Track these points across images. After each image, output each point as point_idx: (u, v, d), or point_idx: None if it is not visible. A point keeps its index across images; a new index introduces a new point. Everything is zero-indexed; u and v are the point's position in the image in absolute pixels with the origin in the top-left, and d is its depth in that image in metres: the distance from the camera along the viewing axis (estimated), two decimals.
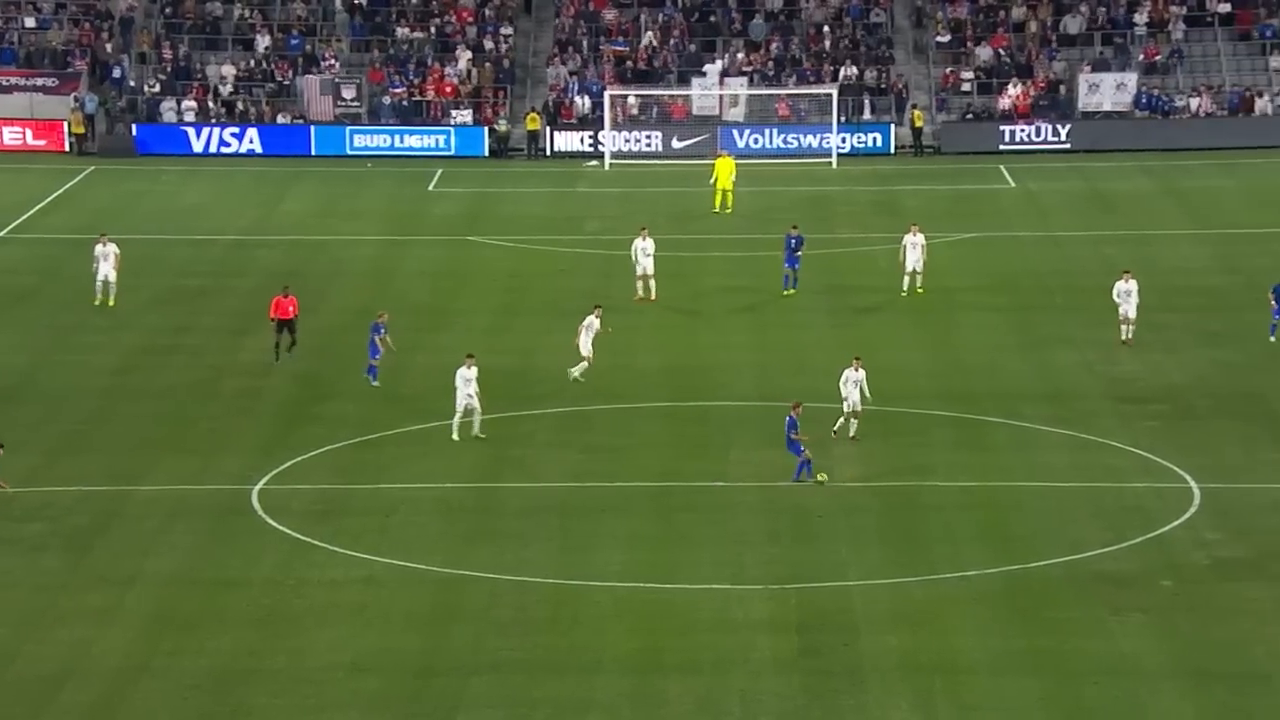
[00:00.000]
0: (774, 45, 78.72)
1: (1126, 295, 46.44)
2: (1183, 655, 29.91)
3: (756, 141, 74.10)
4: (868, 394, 39.78)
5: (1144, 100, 75.52)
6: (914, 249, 51.82)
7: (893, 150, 75.02)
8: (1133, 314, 46.45)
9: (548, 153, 75.34)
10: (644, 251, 51.55)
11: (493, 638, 30.78)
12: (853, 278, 54.62)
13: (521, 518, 36.25)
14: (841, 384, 39.75)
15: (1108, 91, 75.49)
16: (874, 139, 75.21)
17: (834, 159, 73.20)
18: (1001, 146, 74.54)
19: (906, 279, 51.93)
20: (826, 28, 79.39)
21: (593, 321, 44.32)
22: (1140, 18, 78.50)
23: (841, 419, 39.70)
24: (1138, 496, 36.91)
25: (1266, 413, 41.62)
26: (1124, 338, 46.52)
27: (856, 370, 39.75)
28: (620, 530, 35.56)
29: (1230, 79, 76.34)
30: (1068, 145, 74.57)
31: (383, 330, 44.38)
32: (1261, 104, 74.90)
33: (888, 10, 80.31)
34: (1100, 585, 32.54)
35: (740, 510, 36.56)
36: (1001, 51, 78.02)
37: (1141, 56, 77.12)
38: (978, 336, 48.44)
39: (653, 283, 51.50)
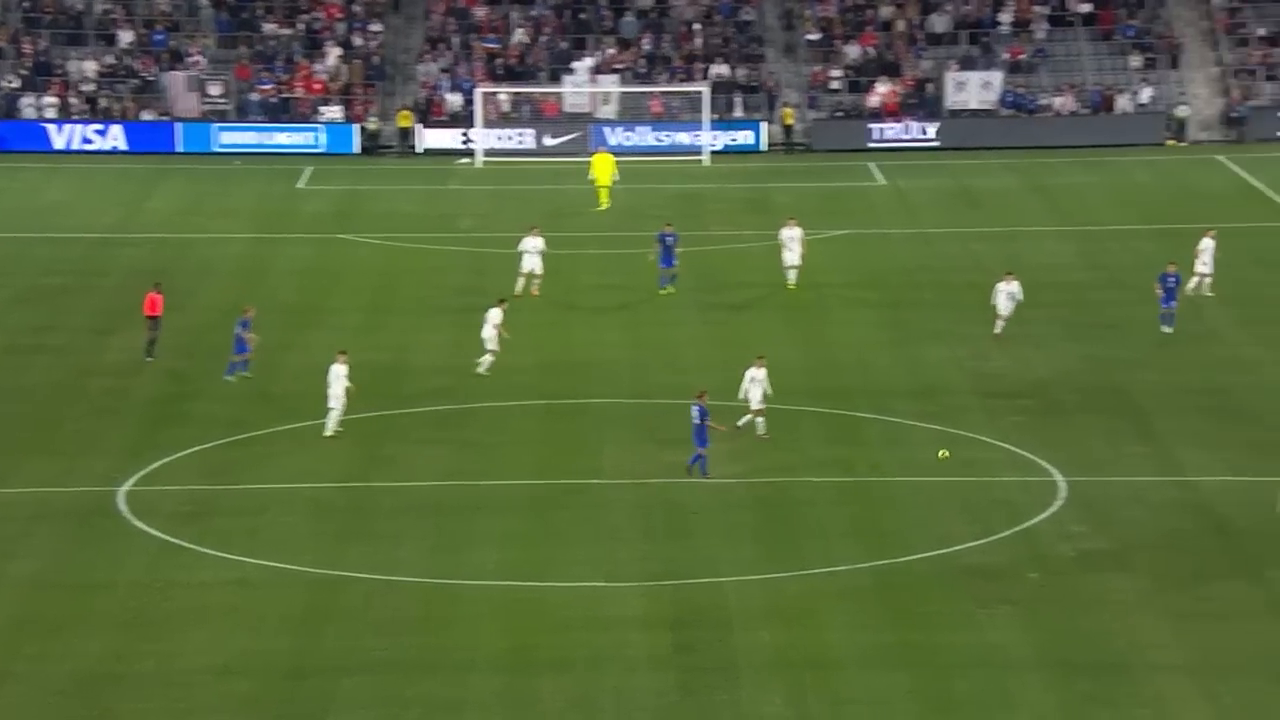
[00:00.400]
0: (645, 43, 78.84)
1: (1009, 296, 46.86)
2: (1048, 646, 30.27)
3: (629, 139, 74.18)
4: (769, 391, 39.83)
5: (1009, 99, 76.37)
6: (792, 243, 52.18)
7: (764, 148, 75.38)
8: (1008, 313, 46.82)
9: (419, 150, 75.02)
10: (533, 249, 51.50)
11: (365, 638, 30.59)
12: (726, 275, 54.82)
13: (394, 517, 36.06)
14: (746, 382, 39.72)
15: (974, 90, 76.27)
16: (745, 137, 75.53)
17: (706, 156, 73.43)
18: (871, 144, 75.12)
19: (792, 273, 52.30)
20: (697, 25, 79.61)
21: (496, 314, 44.42)
22: (1005, 17, 79.38)
23: (748, 416, 39.73)
24: (1005, 490, 37.30)
25: (1130, 407, 42.22)
26: (996, 330, 46.93)
27: (759, 368, 39.84)
28: (494, 529, 35.46)
29: (1092, 78, 77.37)
30: (936, 143, 75.27)
31: (248, 325, 43.99)
32: (1122, 102, 75.96)
33: (758, 9, 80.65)
34: (968, 578, 32.86)
35: (615, 507, 36.57)
36: (870, 50, 78.60)
37: (1007, 55, 77.98)
38: (849, 333, 48.76)
39: (538, 281, 51.38)
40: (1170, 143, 74.86)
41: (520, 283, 51.35)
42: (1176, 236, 58.85)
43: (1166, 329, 47.52)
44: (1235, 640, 30.15)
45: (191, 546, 34.34)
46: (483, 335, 44.54)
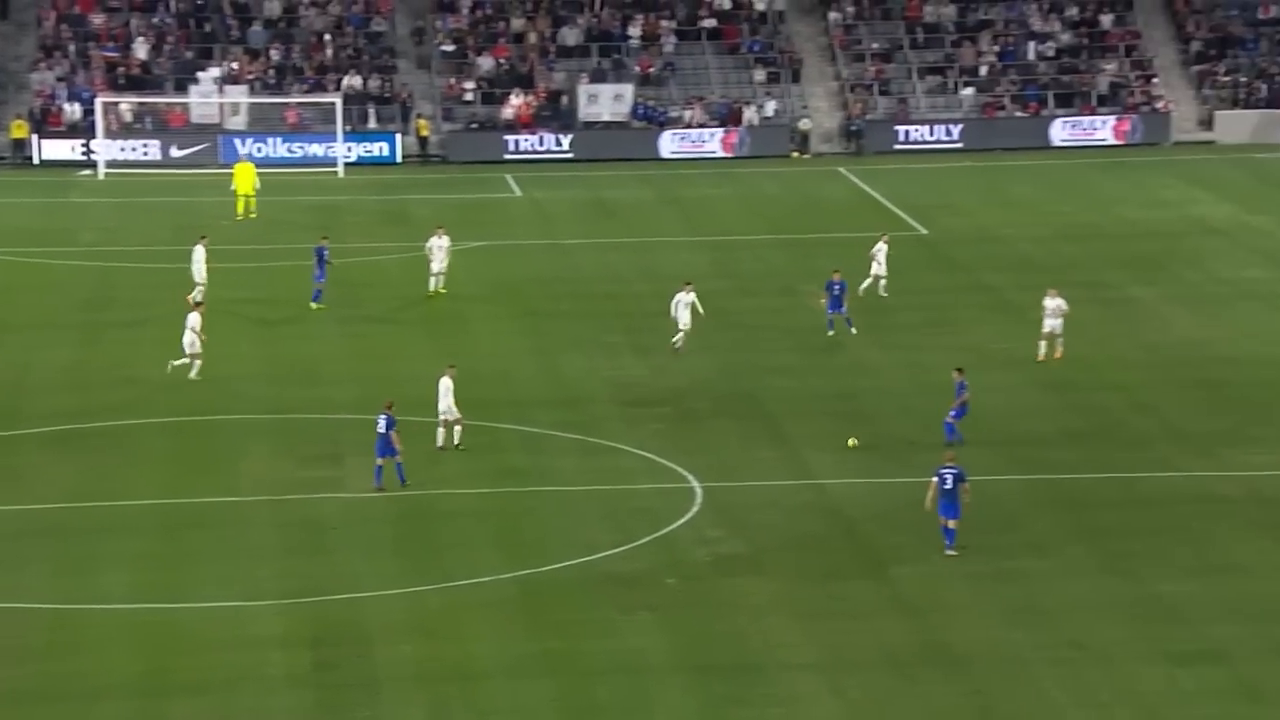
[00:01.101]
0: (274, 53, 77.73)
1: (687, 306, 47.27)
2: (686, 650, 30.67)
3: (260, 150, 72.98)
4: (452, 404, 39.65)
5: (640, 111, 77.40)
6: (439, 251, 52.33)
7: (399, 159, 74.99)
8: (687, 325, 47.13)
9: (35, 161, 72.63)
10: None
11: None
12: (364, 288, 54.30)
13: (14, 541, 34.79)
14: (441, 392, 39.54)
15: (606, 102, 77.10)
16: (380, 148, 75.05)
17: (340, 168, 72.73)
18: (506, 156, 75.34)
19: (433, 280, 52.37)
20: (328, 36, 78.82)
21: (195, 318, 44.46)
22: (634, 30, 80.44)
23: (442, 430, 39.61)
24: (645, 498, 37.71)
25: (761, 412, 43.07)
26: (675, 343, 47.16)
27: (449, 378, 39.81)
28: (124, 550, 34.45)
29: (719, 91, 78.90)
30: (570, 154, 75.86)
31: None
32: (749, 114, 77.61)
33: (389, 20, 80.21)
34: (610, 585, 33.10)
35: (252, 525, 35.88)
36: (503, 62, 78.83)
37: (637, 68, 79.04)
38: (489, 344, 48.73)
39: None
40: (795, 155, 76.76)
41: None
42: (803, 246, 60.42)
43: (831, 333, 48.76)
44: (861, 637, 30.98)
45: None
46: (183, 342, 44.03)
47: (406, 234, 60.92)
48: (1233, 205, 65.32)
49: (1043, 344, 44.88)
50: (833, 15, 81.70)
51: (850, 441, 39.71)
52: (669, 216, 65.67)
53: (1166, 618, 31.70)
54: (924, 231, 62.23)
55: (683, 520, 36.29)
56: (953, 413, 40.61)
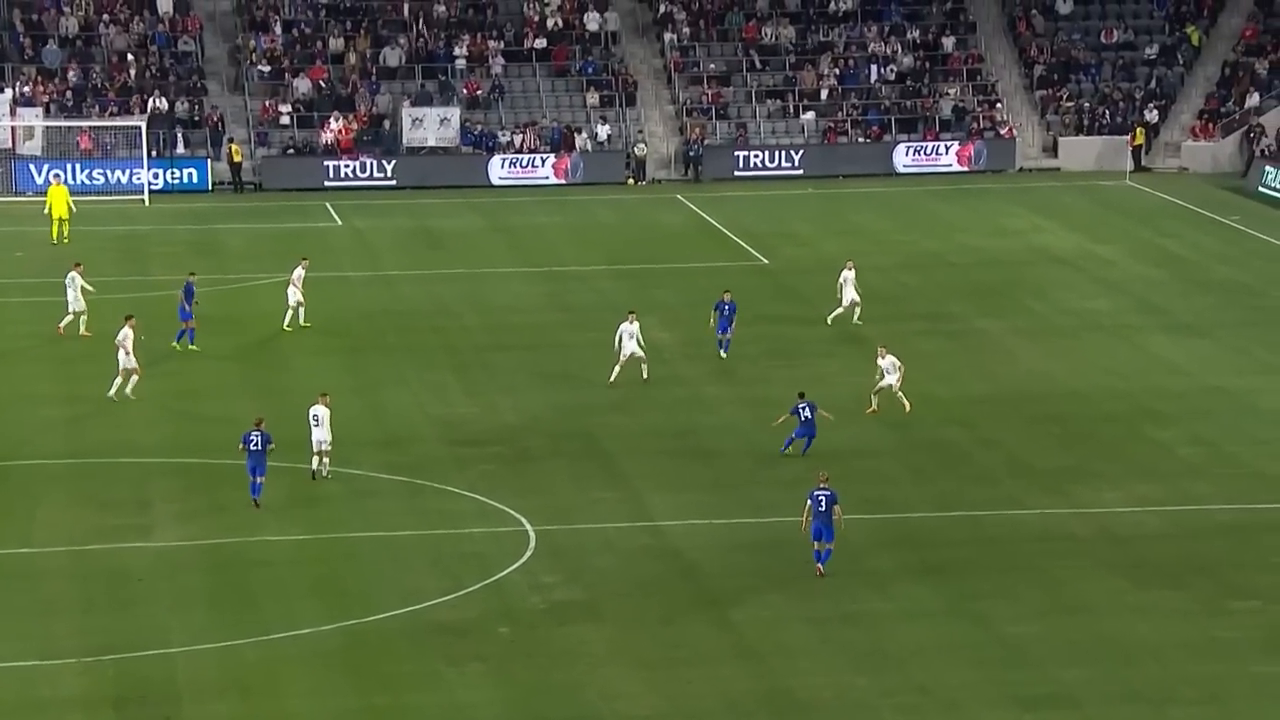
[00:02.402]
0: (71, 73, 76.66)
1: (630, 337, 47.56)
2: (519, 702, 30.58)
3: (58, 177, 71.80)
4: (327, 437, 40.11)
5: (468, 135, 77.32)
6: (299, 282, 52.81)
7: (210, 187, 74.29)
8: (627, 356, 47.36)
9: None
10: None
11: None
12: (173, 324, 53.63)
13: None
14: (311, 422, 39.92)
15: (431, 126, 76.93)
16: (190, 174, 74.32)
17: (146, 196, 71.87)
18: (326, 183, 74.90)
19: (290, 314, 52.59)
20: (131, 56, 77.92)
21: (128, 333, 45.19)
22: (460, 51, 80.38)
23: (315, 459, 39.91)
24: (475, 542, 37.57)
25: (597, 451, 43.11)
26: (611, 377, 47.43)
27: (322, 406, 40.10)
28: None
29: (551, 115, 79.06)
30: (394, 181, 75.58)
31: None
32: (582, 140, 77.83)
33: (197, 39, 79.45)
34: (438, 636, 32.93)
35: (49, 577, 35.25)
36: (321, 84, 78.41)
37: (464, 91, 78.96)
38: (309, 381, 48.21)
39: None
40: (630, 182, 77.09)
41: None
42: (640, 277, 60.64)
43: (723, 354, 49.61)
44: (702, 685, 31.08)
45: None
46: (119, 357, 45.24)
47: (220, 265, 60.32)
48: (1078, 234, 66.55)
49: (875, 397, 45.10)
50: (668, 36, 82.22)
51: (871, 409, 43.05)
52: (499, 246, 65.63)
53: (1014, 661, 32.13)
54: (765, 261, 62.71)
55: (515, 565, 36.20)
56: (796, 433, 41.67)
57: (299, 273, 53.48)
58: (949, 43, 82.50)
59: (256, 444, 38.35)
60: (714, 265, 62.58)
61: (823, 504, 35.13)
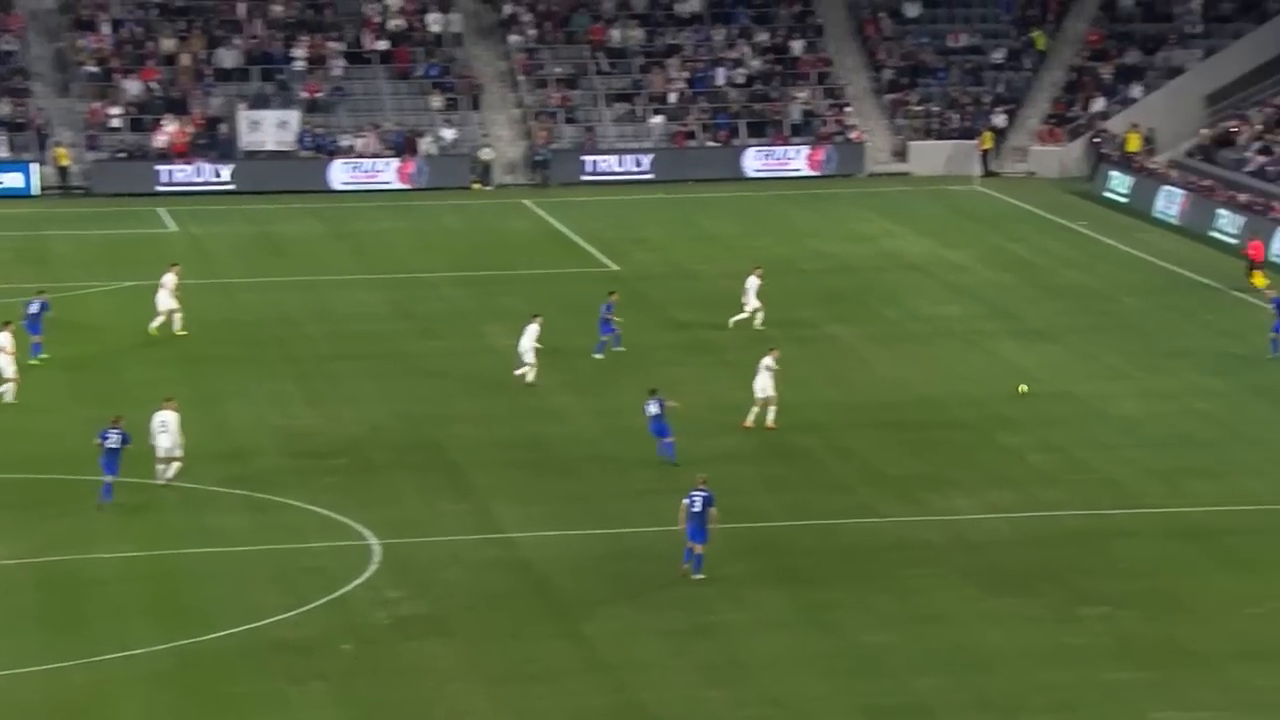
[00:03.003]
0: None
1: (526, 352, 47.97)
2: None
3: None
4: (181, 440, 40.03)
5: (307, 139, 76.77)
6: (168, 288, 52.87)
7: (37, 191, 73.25)
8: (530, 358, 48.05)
9: None
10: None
11: None
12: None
13: None
14: (155, 428, 39.81)
15: (270, 130, 76.32)
16: (14, 179, 73.36)
17: None
18: (159, 187, 74.12)
19: (160, 319, 52.66)
20: None
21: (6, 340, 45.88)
22: (299, 52, 79.79)
23: (161, 467, 39.61)
24: (318, 557, 37.27)
25: (443, 463, 42.94)
26: (527, 378, 48.01)
27: (169, 412, 39.89)
28: None
29: (394, 118, 78.69)
30: (231, 186, 74.91)
31: None
32: (426, 143, 77.54)
33: (22, 39, 78.25)
34: (280, 654, 32.61)
35: None
36: (153, 85, 77.51)
37: (303, 93, 78.40)
38: (145, 393, 47.62)
39: (177, 316, 52.73)
40: (476, 186, 76.90)
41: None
42: (487, 284, 60.52)
43: (601, 356, 50.51)
44: (553, 700, 31.01)
45: None
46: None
47: (48, 274, 59.45)
48: (928, 239, 67.24)
49: (755, 409, 45.36)
50: (513, 38, 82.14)
51: (1021, 388, 46.48)
52: (342, 253, 65.22)
53: (867, 670, 32.35)
54: (615, 267, 62.80)
55: (360, 580, 35.95)
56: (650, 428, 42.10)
57: (170, 278, 53.09)
58: (797, 46, 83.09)
59: (115, 442, 38.22)
60: (562, 271, 62.58)
61: (697, 504, 35.47)
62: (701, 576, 35.55)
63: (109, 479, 38.21)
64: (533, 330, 48.32)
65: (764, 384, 44.94)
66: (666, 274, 60.93)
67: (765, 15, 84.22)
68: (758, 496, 40.74)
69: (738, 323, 53.84)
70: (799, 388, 48.37)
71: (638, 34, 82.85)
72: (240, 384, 48.70)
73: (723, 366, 50.33)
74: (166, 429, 39.95)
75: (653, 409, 42.36)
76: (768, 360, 45.24)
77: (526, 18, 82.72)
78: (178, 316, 52.84)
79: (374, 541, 37.85)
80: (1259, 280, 59.22)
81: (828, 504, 40.31)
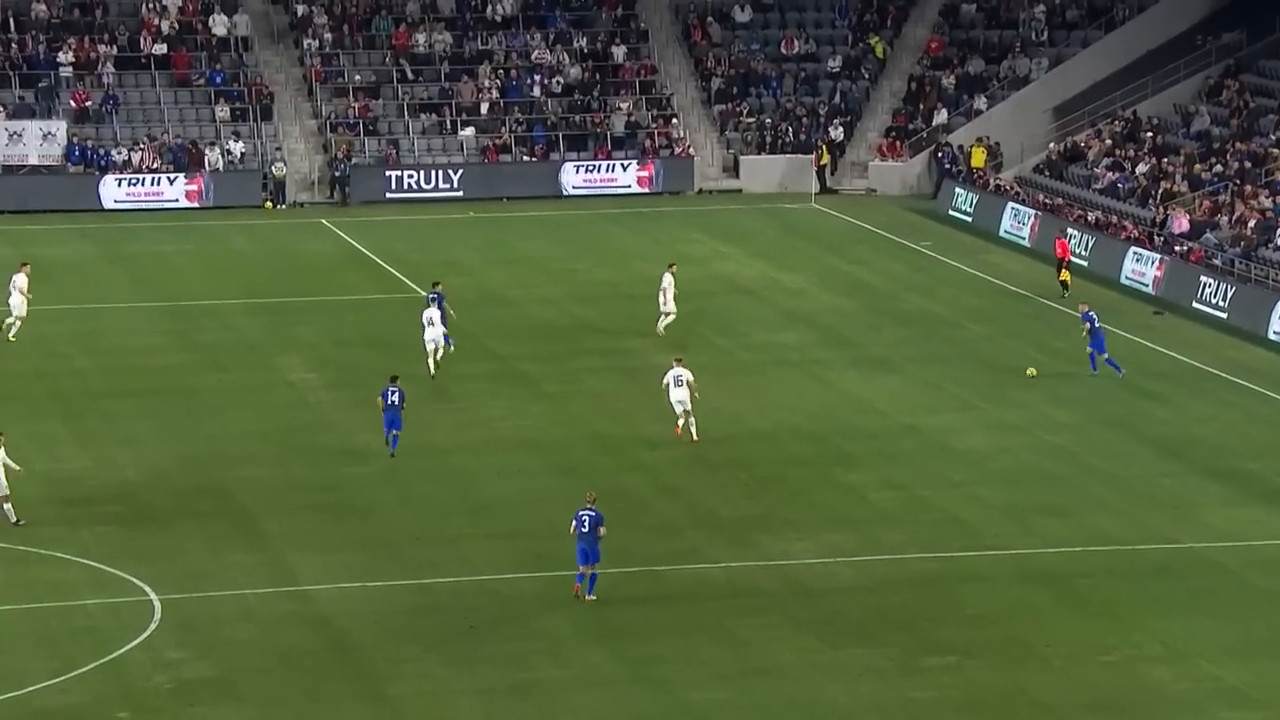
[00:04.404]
0: None
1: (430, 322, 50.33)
2: None
3: None
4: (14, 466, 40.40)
5: (76, 152, 75.89)
6: (21, 289, 54.13)
7: None
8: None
9: None
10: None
11: None
12: None
13: None
14: None
15: (33, 142, 75.44)
16: None
17: None
18: None
19: (16, 325, 54.18)
20: None
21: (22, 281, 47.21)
22: (65, 58, 78.83)
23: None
24: (90, 615, 36.76)
25: (232, 510, 42.52)
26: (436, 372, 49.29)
27: None
28: None
29: (174, 130, 77.97)
30: None
31: None
32: (212, 157, 76.87)
33: None
34: None
35: None
36: None
37: (70, 103, 77.51)
38: None
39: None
40: (268, 205, 76.38)
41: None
42: (281, 311, 60.08)
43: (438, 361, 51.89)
44: None
45: None
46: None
47: None
48: (762, 261, 67.73)
49: (681, 420, 46.77)
50: (308, 43, 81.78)
51: (1030, 371, 50.94)
52: (116, 278, 64.51)
53: None
54: (422, 293, 62.59)
55: (137, 640, 35.51)
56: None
57: (20, 279, 53.71)
58: (619, 52, 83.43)
59: None
60: (364, 298, 62.31)
61: (586, 524, 36.83)
62: (594, 598, 36.71)
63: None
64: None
65: (681, 395, 46.48)
66: (478, 300, 60.85)
67: (584, 19, 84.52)
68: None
69: (666, 327, 55.73)
70: (623, 422, 48.49)
71: (445, 39, 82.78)
72: None
73: (540, 400, 50.28)
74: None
75: (393, 398, 44.87)
76: (679, 370, 46.63)
77: (322, 20, 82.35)
78: (18, 323, 54.01)
79: (154, 597, 37.41)
80: (1066, 276, 62.43)
81: (654, 549, 40.39)
